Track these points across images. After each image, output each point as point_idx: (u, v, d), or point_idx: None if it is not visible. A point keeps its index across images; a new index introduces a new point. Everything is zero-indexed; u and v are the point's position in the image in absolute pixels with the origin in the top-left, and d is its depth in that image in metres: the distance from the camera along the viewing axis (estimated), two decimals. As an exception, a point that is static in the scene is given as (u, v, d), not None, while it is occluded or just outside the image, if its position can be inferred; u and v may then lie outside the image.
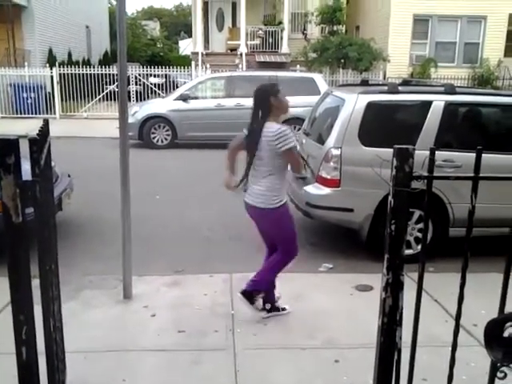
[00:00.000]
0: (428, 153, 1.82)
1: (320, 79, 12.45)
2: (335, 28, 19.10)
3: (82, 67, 16.67)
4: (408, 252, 4.67)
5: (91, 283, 4.39)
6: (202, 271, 4.69)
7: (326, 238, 5.84)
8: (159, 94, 16.29)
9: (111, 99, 16.11)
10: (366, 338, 3.26)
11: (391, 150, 1.78)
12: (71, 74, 16.15)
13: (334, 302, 4.15)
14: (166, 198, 7.47)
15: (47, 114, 15.54)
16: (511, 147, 5.04)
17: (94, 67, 16.78)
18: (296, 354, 3.36)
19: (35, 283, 1.86)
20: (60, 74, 16.01)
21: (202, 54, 20.21)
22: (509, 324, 1.69)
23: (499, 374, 1.81)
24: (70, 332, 3.04)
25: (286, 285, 4.36)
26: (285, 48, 21.13)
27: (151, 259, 5.09)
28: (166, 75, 17.14)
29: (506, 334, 1.71)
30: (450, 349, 1.92)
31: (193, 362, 3.25)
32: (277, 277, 3.82)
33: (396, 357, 1.87)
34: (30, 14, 18.80)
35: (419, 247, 4.94)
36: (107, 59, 25.84)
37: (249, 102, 3.85)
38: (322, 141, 5.24)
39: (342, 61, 17.08)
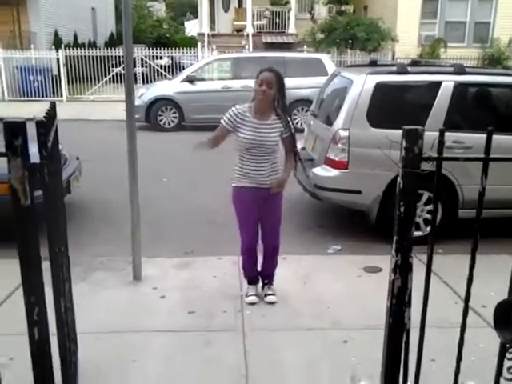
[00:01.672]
0: (437, 134, 1.80)
1: (328, 60, 12.32)
2: (343, 8, 18.84)
3: (88, 49, 16.60)
4: (417, 234, 4.62)
5: (101, 265, 4.42)
6: (210, 253, 4.71)
7: (334, 220, 5.83)
8: (165, 75, 16.21)
9: (118, 81, 16.05)
10: (374, 319, 3.27)
11: (400, 132, 1.76)
12: (77, 56, 16.10)
13: (342, 283, 4.16)
14: (173, 181, 7.48)
15: (54, 96, 15.52)
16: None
17: (99, 49, 16.71)
18: (304, 335, 3.39)
19: (46, 265, 1.87)
20: (66, 57, 15.97)
21: (208, 35, 20.03)
22: (518, 305, 1.69)
23: (508, 355, 1.82)
24: (81, 313, 3.08)
25: (293, 266, 4.39)
26: (292, 28, 20.91)
27: (160, 241, 5.12)
28: (171, 57, 17.03)
29: (515, 316, 1.71)
30: (459, 330, 1.92)
31: (202, 342, 3.28)
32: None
33: (405, 338, 1.88)
34: (35, -4, 18.66)
35: (428, 229, 4.93)
36: (113, 41, 25.65)
37: (256, 84, 3.81)
38: (330, 122, 5.21)
39: (350, 41, 16.85)
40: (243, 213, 3.66)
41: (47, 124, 2.00)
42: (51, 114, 2.22)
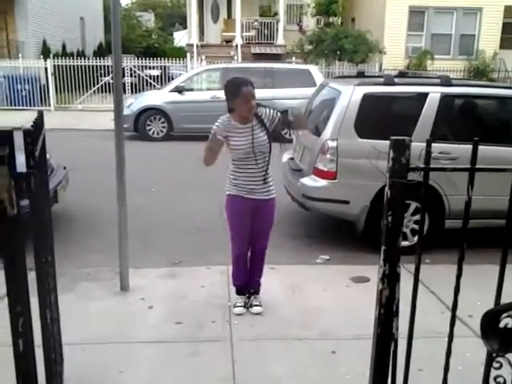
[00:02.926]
0: (424, 144, 1.82)
1: (316, 71, 12.41)
2: (331, 20, 19.05)
3: (77, 59, 16.55)
4: (404, 244, 4.67)
5: (88, 275, 4.38)
6: (198, 263, 4.69)
7: (322, 230, 5.84)
8: (154, 85, 16.21)
9: (106, 91, 16.01)
10: (362, 329, 3.27)
11: (387, 142, 1.78)
12: (66, 65, 16.03)
13: (330, 293, 4.16)
14: (161, 190, 7.45)
15: (42, 105, 15.43)
16: (507, 139, 5.05)
17: (88, 59, 16.67)
18: (293, 345, 3.38)
19: (32, 275, 1.85)
20: (54, 66, 15.90)
21: (197, 45, 20.09)
22: (504, 315, 1.70)
23: (495, 364, 1.82)
24: (67, 324, 3.04)
25: (282, 276, 4.38)
26: (280, 40, 21.06)
27: (148, 251, 5.09)
28: (164, 67, 17.05)
29: (501, 325, 1.72)
30: (447, 339, 1.93)
31: (190, 353, 3.26)
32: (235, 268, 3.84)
33: (393, 347, 1.88)
34: (23, 5, 18.58)
35: (415, 239, 4.96)
36: (102, 51, 25.66)
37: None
38: (318, 133, 5.24)
39: (338, 53, 17.03)
40: (235, 222, 3.66)
41: (34, 133, 1.98)
42: (38, 123, 2.21)
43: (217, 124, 3.51)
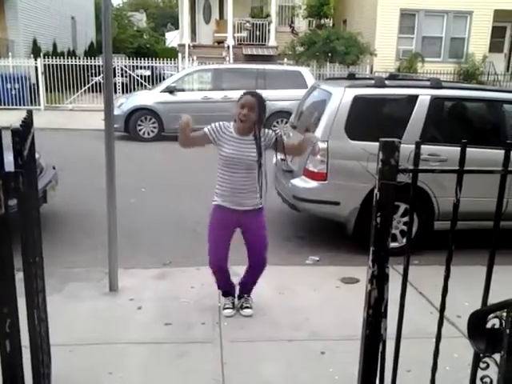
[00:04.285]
0: (414, 146, 1.83)
1: (307, 73, 12.45)
2: (322, 22, 19.09)
3: (68, 58, 16.46)
4: (393, 245, 4.70)
5: (76, 276, 4.35)
6: (188, 264, 4.68)
7: (312, 231, 5.86)
8: (146, 85, 16.16)
9: (97, 91, 15.89)
10: (351, 330, 3.28)
11: (377, 144, 1.79)
12: (56, 64, 15.94)
13: (320, 294, 4.17)
14: (152, 191, 7.43)
15: (32, 105, 15.32)
16: (495, 141, 5.09)
17: (79, 58, 16.58)
18: (282, 347, 3.38)
19: (19, 276, 1.84)
20: (45, 65, 15.79)
21: (188, 46, 20.06)
22: (491, 315, 1.72)
23: (482, 365, 1.84)
24: (55, 325, 3.02)
25: (272, 277, 4.37)
26: (272, 41, 21.08)
27: (137, 252, 5.07)
28: (152, 67, 17.01)
29: (488, 326, 1.73)
30: (434, 340, 1.94)
31: (179, 354, 3.25)
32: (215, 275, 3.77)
33: (381, 348, 1.89)
34: (13, 3, 18.45)
35: (404, 240, 4.98)
36: (93, 50, 25.51)
37: (236, 95, 3.83)
38: (308, 134, 5.24)
39: (330, 55, 17.08)
40: (214, 232, 3.61)
41: (23, 132, 1.97)
42: (27, 122, 2.19)
43: (215, 124, 3.52)
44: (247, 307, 3.80)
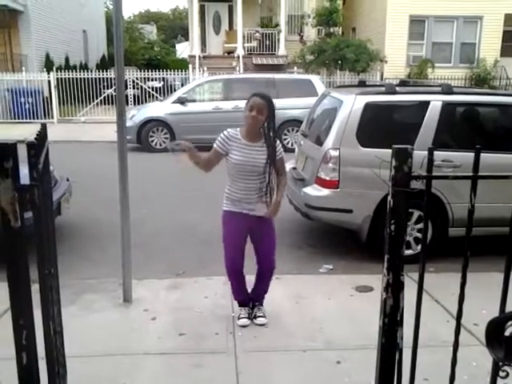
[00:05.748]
0: (426, 153, 1.82)
1: (317, 81, 12.47)
2: (332, 30, 19.12)
3: (80, 71, 16.68)
4: (408, 252, 4.67)
5: (91, 287, 4.38)
6: (201, 274, 4.68)
7: (325, 240, 5.83)
8: (157, 97, 16.29)
9: (109, 103, 16.10)
10: (366, 339, 3.25)
11: (389, 151, 1.78)
12: (69, 78, 16.17)
13: (334, 303, 4.14)
14: (164, 201, 7.46)
15: (45, 118, 15.54)
16: (509, 146, 5.05)
17: (91, 71, 16.79)
18: (297, 356, 3.35)
19: (35, 288, 1.85)
20: (57, 79, 16.02)
21: (199, 57, 20.20)
22: (510, 323, 1.69)
23: (501, 374, 1.81)
24: (71, 336, 3.03)
25: (286, 286, 4.37)
26: (282, 50, 21.15)
27: (151, 262, 5.09)
28: (163, 78, 17.17)
29: (507, 333, 1.71)
30: (452, 348, 1.91)
31: (194, 365, 3.24)
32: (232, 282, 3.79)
33: (397, 357, 1.87)
34: (26, 19, 18.77)
35: (419, 247, 4.94)
36: (105, 63, 25.83)
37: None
38: (320, 142, 5.24)
39: (339, 62, 17.10)
40: (229, 238, 3.62)
41: (38, 146, 1.99)
42: (42, 135, 2.22)
43: (221, 135, 3.52)
44: (260, 316, 3.79)
